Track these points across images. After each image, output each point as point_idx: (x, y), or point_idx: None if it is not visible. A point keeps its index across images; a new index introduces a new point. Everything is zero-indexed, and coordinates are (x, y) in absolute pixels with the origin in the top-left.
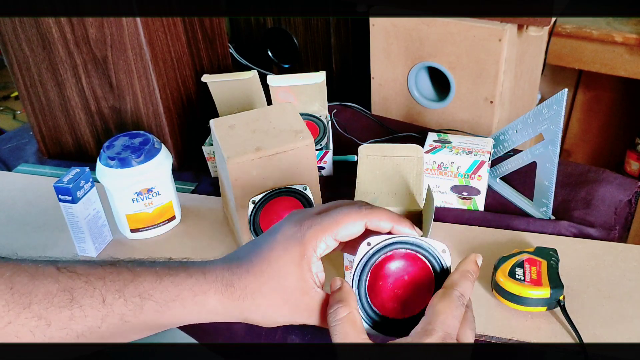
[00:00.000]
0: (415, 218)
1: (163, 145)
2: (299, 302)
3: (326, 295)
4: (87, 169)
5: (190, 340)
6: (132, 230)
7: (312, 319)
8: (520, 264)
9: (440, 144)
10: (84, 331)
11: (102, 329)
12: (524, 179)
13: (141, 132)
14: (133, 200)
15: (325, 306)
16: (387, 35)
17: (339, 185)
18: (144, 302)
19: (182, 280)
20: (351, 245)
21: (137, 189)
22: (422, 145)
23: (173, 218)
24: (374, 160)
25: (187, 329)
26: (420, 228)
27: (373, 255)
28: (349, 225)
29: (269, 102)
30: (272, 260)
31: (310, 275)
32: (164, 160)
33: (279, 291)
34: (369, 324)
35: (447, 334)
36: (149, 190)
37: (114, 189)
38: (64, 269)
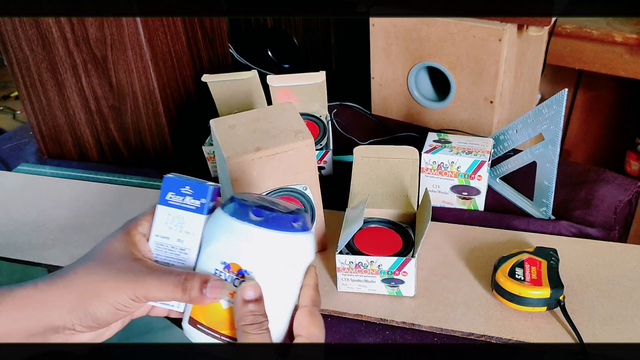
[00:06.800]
0: (409, 220)
1: None
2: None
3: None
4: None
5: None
6: None
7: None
8: (520, 264)
9: (440, 144)
10: None
11: None
12: (524, 179)
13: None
14: None
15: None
16: (387, 35)
17: (339, 185)
18: None
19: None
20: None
21: None
22: (422, 145)
23: None
24: (369, 162)
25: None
26: (414, 229)
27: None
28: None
29: (269, 102)
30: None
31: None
32: None
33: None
34: None
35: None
36: None
37: None
38: None
